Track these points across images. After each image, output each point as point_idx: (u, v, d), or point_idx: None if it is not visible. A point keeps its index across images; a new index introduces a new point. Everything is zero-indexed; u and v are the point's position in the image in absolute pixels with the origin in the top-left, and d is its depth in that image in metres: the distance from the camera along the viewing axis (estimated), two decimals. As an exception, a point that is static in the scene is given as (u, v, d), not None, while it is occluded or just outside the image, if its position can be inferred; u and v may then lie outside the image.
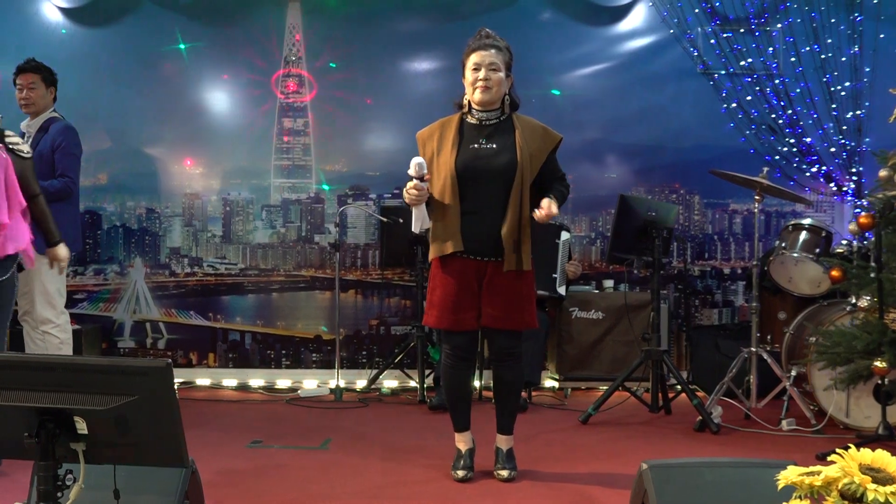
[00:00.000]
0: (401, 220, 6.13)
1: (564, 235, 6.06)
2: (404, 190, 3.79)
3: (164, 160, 6.99)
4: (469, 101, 3.92)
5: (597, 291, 6.61)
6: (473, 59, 3.86)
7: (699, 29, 6.87)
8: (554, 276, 6.00)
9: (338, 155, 7.01)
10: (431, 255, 3.93)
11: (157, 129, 6.97)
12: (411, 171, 3.77)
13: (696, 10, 6.83)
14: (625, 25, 7.03)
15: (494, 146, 3.87)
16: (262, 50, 6.93)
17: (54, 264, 4.33)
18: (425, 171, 3.79)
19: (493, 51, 3.85)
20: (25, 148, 4.02)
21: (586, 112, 6.94)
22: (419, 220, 3.76)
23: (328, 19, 6.93)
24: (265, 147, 7.01)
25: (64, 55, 6.64)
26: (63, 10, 6.89)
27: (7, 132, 3.99)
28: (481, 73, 3.83)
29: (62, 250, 4.31)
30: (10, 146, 3.89)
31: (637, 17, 7.02)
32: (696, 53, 6.87)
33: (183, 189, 7.00)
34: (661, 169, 7.03)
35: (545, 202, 3.80)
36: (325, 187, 6.88)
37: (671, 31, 6.87)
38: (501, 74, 3.86)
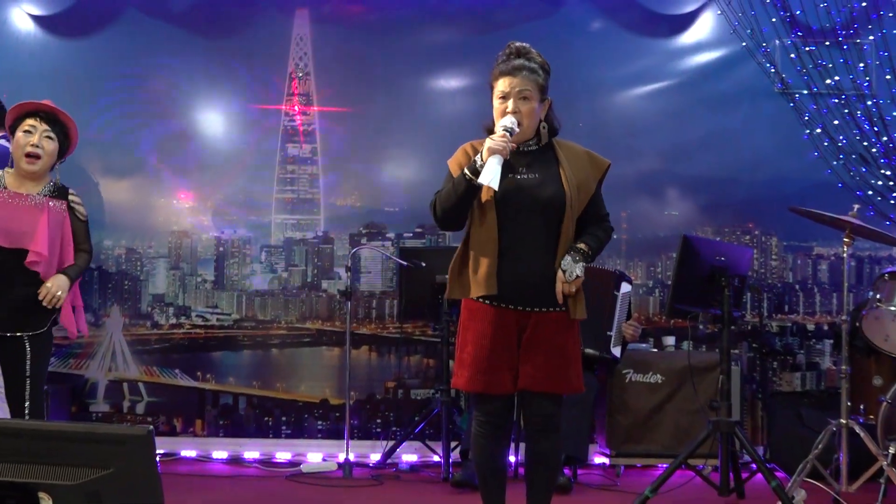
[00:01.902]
0: (423, 265, 6.14)
1: (625, 287, 6.01)
2: (489, 138, 3.75)
3: (147, 192, 7.07)
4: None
5: (655, 351, 6.56)
6: (500, 85, 3.87)
7: (777, 41, 6.89)
8: (609, 333, 5.95)
9: (350, 187, 7.05)
10: (456, 294, 3.89)
11: (140, 156, 7.05)
12: (506, 122, 3.77)
13: (774, 20, 6.85)
14: (688, 37, 7.05)
15: (537, 175, 3.87)
16: (264, 65, 7.01)
17: (44, 288, 4.40)
18: (517, 129, 3.78)
19: (523, 74, 3.84)
20: (83, 210, 4.57)
21: (642, 138, 6.95)
22: (490, 173, 3.66)
23: (342, 29, 7.01)
24: (266, 177, 7.07)
25: (34, 69, 6.76)
26: (35, 17, 7.02)
27: (70, 190, 4.55)
28: (510, 105, 3.84)
29: (62, 281, 4.41)
30: (72, 204, 4.50)
31: (703, 28, 7.05)
32: (772, 70, 6.87)
33: (169, 226, 7.06)
34: (731, 206, 7.00)
35: (561, 277, 3.76)
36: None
37: (743, 43, 6.88)
38: (533, 104, 3.86)
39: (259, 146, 7.07)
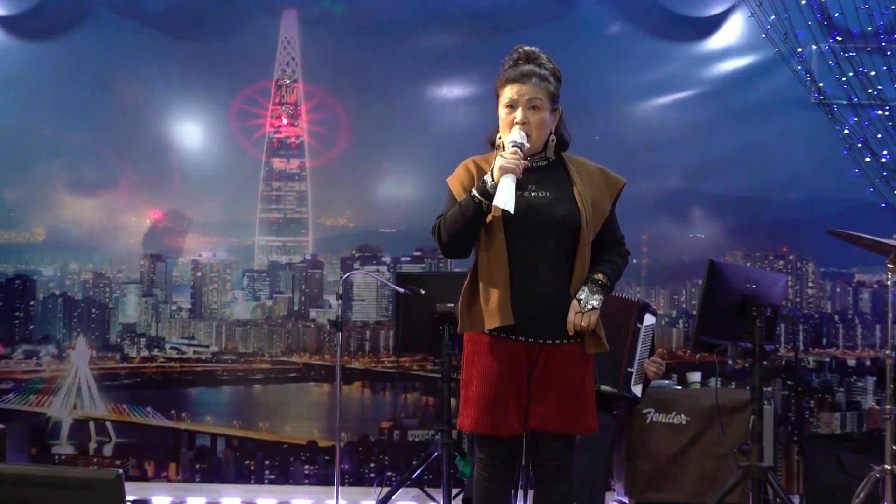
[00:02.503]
0: (422, 292, 6.13)
1: (649, 319, 5.98)
2: (499, 155, 3.74)
3: (118, 210, 7.07)
4: (504, 143, 3.92)
5: (679, 388, 6.54)
6: (507, 93, 3.86)
7: (813, 47, 6.90)
8: (629, 370, 5.93)
9: (342, 206, 7.05)
10: (467, 329, 3.89)
11: (111, 171, 7.05)
12: (515, 137, 3.75)
13: (810, 23, 6.86)
14: (716, 41, 7.07)
15: (548, 193, 3.87)
16: (248, 71, 7.03)
17: None
18: (528, 144, 3.77)
19: (532, 82, 3.84)
20: None
21: (665, 153, 6.95)
22: (505, 194, 3.66)
23: (333, 32, 7.02)
24: (249, 195, 7.07)
25: (-4, 75, 6.79)
26: (-3, 18, 7.06)
27: None
28: (517, 115, 3.84)
29: None
30: None
31: (732, 31, 7.07)
32: (809, 78, 6.89)
33: (142, 248, 7.06)
34: (763, 228, 7.00)
35: (574, 309, 3.76)
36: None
37: (776, 49, 6.90)
38: (544, 115, 3.85)
39: (241, 160, 7.08)
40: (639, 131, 7.01)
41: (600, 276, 3.81)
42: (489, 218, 3.76)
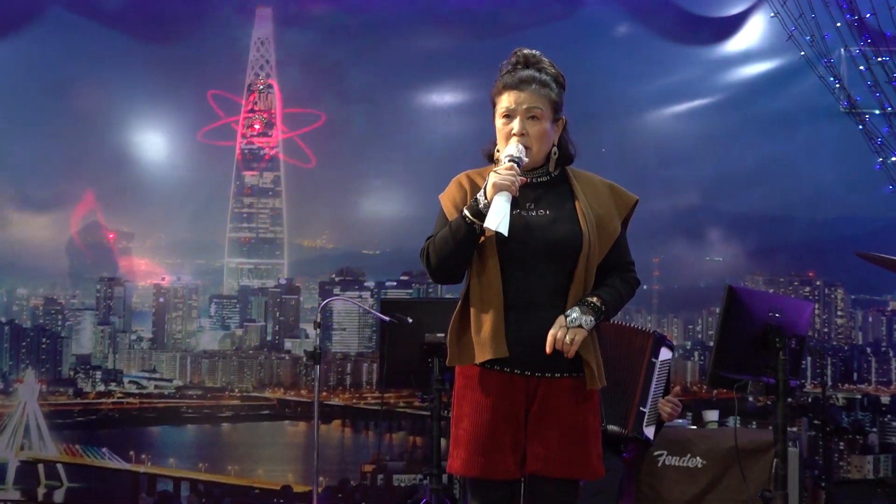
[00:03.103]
0: (410, 321, 6.10)
1: (665, 354, 5.94)
2: (493, 171, 3.72)
3: (72, 229, 7.05)
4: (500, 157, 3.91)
5: (694, 428, 6.52)
6: (504, 102, 3.83)
7: (842, 50, 6.92)
8: (642, 409, 5.91)
9: (321, 225, 7.05)
10: (456, 362, 3.88)
11: (64, 185, 7.04)
12: (511, 151, 3.73)
13: (839, 24, 6.87)
14: (735, 44, 7.09)
15: (548, 212, 3.85)
16: (218, 74, 7.03)
17: None
18: (526, 159, 3.75)
19: (532, 88, 3.81)
20: None
21: (679, 167, 6.96)
22: (498, 215, 3.64)
23: (312, 31, 7.02)
24: (217, 212, 7.07)
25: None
26: (-62, 17, 7.06)
27: None
28: (516, 125, 3.82)
29: None
30: None
31: (753, 33, 7.08)
32: (837, 85, 6.90)
33: (98, 271, 7.06)
34: (787, 249, 7.00)
35: (556, 328, 3.73)
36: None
37: (802, 52, 6.90)
38: (545, 125, 3.83)
39: (210, 174, 7.08)
40: (650, 143, 7.02)
41: (594, 300, 3.77)
42: (482, 239, 3.75)
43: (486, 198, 3.66)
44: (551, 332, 3.67)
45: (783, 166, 6.94)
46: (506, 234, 3.59)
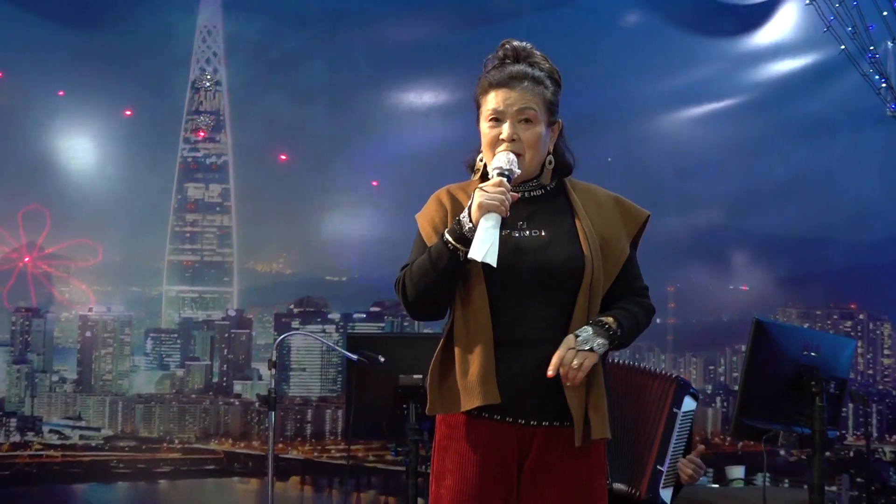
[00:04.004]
0: (381, 360, 6.06)
1: (688, 403, 5.87)
2: (479, 188, 3.67)
3: (-17, 250, 7.02)
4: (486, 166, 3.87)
5: (717, 487, 6.51)
6: (491, 102, 3.78)
7: (889, 44, 6.92)
8: (659, 468, 5.87)
9: (277, 246, 7.02)
10: (439, 410, 3.83)
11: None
12: (500, 162, 3.68)
13: (885, 13, 6.87)
14: (764, 36, 7.08)
15: (543, 232, 3.80)
16: (156, 68, 7.00)
17: None
18: (518, 171, 3.69)
19: (524, 86, 3.76)
20: None
21: (698, 181, 6.95)
22: (484, 243, 3.58)
23: (267, 19, 7.01)
24: (155, 231, 7.03)
25: None
26: None
27: None
28: (505, 130, 3.77)
29: None
30: None
31: (784, 23, 7.08)
32: (883, 84, 6.89)
33: (14, 300, 7.01)
34: (824, 277, 7.00)
35: (562, 350, 3.68)
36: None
37: (842, 46, 6.91)
38: (538, 129, 3.77)
39: (146, 185, 7.04)
40: (664, 151, 7.01)
41: (608, 320, 3.72)
42: (468, 285, 3.70)
43: (470, 220, 3.59)
44: (558, 352, 3.55)
45: (820, 179, 6.95)
46: (494, 265, 3.52)
